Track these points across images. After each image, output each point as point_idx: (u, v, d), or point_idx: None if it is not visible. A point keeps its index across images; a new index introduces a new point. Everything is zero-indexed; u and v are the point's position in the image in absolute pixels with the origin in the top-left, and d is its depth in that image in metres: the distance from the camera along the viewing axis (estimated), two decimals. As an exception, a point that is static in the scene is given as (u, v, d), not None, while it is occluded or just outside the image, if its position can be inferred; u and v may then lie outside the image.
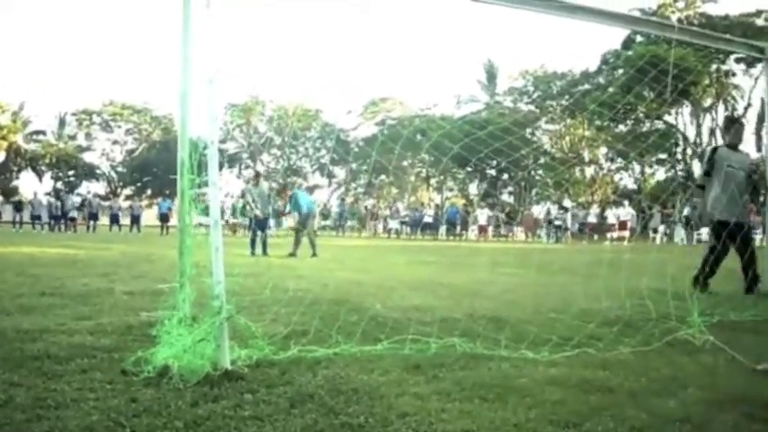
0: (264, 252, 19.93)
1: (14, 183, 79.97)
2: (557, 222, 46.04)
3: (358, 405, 4.16)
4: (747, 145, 56.70)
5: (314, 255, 19.65)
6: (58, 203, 46.82)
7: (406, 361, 5.24)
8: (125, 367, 4.76)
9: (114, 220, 48.38)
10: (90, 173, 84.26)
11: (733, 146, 10.76)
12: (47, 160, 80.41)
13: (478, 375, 4.90)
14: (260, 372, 4.83)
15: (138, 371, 4.62)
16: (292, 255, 19.65)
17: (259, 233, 20.46)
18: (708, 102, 58.35)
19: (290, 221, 22.86)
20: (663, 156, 62.85)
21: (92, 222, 46.32)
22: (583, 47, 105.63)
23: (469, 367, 5.15)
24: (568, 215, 47.38)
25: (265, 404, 4.14)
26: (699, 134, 60.13)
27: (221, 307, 4.81)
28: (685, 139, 60.87)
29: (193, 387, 4.38)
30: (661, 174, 68.52)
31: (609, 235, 43.29)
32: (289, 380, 4.68)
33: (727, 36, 11.41)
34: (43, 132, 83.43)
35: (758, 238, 31.79)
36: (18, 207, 47.29)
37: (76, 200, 49.45)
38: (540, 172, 66.97)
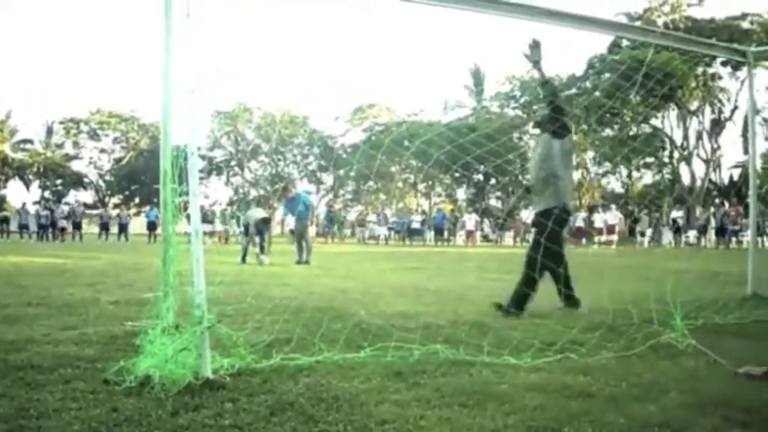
0: (262, 251, 19.71)
1: (2, 192, 79.78)
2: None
3: (338, 413, 4.17)
4: (735, 147, 56.99)
5: (306, 262, 19.60)
6: (47, 213, 46.68)
7: (387, 368, 5.25)
8: (107, 377, 4.77)
9: (104, 228, 48.26)
10: (78, 181, 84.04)
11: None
12: (34, 169, 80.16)
13: (459, 382, 4.92)
14: (241, 380, 4.84)
15: (120, 381, 4.63)
16: (304, 262, 19.63)
17: (257, 239, 20.21)
18: (694, 105, 58.53)
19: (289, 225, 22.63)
20: (650, 159, 63.00)
21: (77, 232, 46.26)
22: (569, 51, 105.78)
23: (451, 374, 5.17)
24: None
25: (245, 413, 4.15)
26: (686, 137, 60.31)
27: (202, 316, 4.82)
28: (672, 142, 61.03)
29: (174, 396, 4.39)
30: (648, 177, 68.80)
31: (596, 239, 43.34)
32: (270, 388, 4.69)
33: (710, 41, 11.48)
34: (30, 141, 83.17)
35: (745, 240, 32.00)
36: (5, 220, 47.28)
37: (65, 208, 49.33)
38: (528, 176, 67.11)
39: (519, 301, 8.45)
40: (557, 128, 8.68)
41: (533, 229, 9.30)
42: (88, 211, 60.68)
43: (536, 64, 8.52)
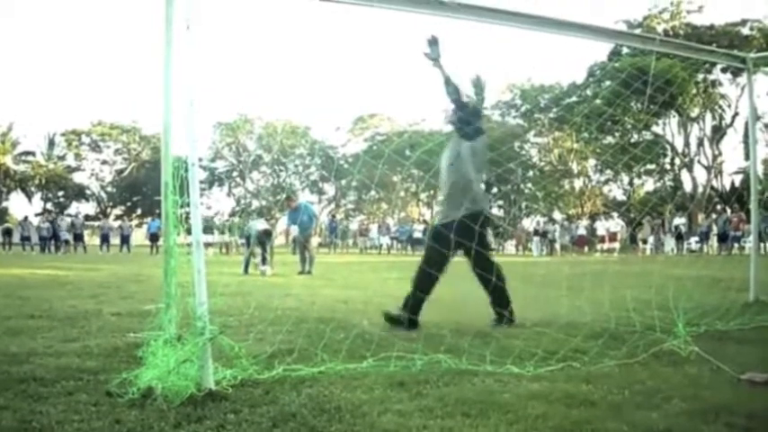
0: (264, 262, 19.66)
1: (4, 204, 79.90)
2: (549, 236, 46.06)
3: (340, 423, 4.17)
4: (736, 153, 56.93)
5: (309, 272, 19.58)
6: (48, 225, 46.73)
7: (390, 378, 5.24)
8: (110, 389, 4.76)
9: (105, 239, 48.30)
10: (80, 193, 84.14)
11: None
12: (36, 181, 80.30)
13: (462, 391, 4.91)
14: (244, 391, 4.83)
15: (122, 392, 4.62)
16: (306, 272, 19.61)
17: (258, 250, 20.20)
18: (695, 111, 58.52)
19: (291, 235, 22.49)
20: (651, 166, 62.94)
21: (79, 243, 46.32)
22: (569, 59, 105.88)
23: (453, 383, 5.16)
24: (557, 227, 47.43)
25: (248, 424, 4.14)
26: (687, 144, 60.32)
27: (204, 327, 4.82)
28: (673, 149, 61.00)
29: (177, 408, 4.39)
30: (650, 184, 68.73)
31: (599, 247, 43.33)
32: (272, 399, 4.69)
33: (710, 47, 11.47)
34: (32, 153, 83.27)
35: (747, 246, 31.94)
36: (7, 232, 47.35)
37: (67, 220, 49.39)
38: (530, 185, 67.10)
39: (413, 312, 8.13)
40: (466, 129, 8.28)
41: (431, 242, 8.72)
42: (89, 223, 60.63)
43: (435, 62, 8.08)
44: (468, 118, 8.30)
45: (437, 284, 8.35)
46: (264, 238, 20.04)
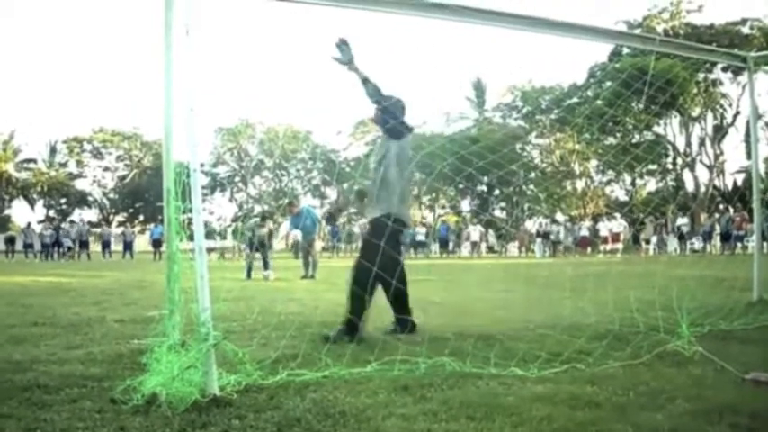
0: (266, 267, 19.72)
1: (7, 212, 79.95)
2: (553, 238, 46.05)
3: (345, 428, 4.17)
4: (738, 152, 56.89)
5: (312, 277, 19.59)
6: (52, 232, 46.79)
7: (394, 382, 5.25)
8: (114, 396, 4.76)
9: (106, 246, 48.36)
10: (82, 200, 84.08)
11: None
12: (38, 188, 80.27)
13: (466, 394, 4.91)
14: (248, 397, 4.84)
15: (126, 399, 4.63)
16: (309, 277, 19.62)
17: (256, 254, 20.17)
18: (696, 111, 58.44)
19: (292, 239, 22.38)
20: (653, 167, 62.90)
21: (84, 251, 46.38)
22: (570, 60, 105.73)
23: (458, 386, 5.16)
24: (561, 229, 47.42)
25: (253, 429, 4.15)
26: (688, 144, 60.28)
27: (208, 333, 4.82)
28: (675, 149, 60.95)
29: (181, 414, 4.39)
30: (652, 185, 68.68)
31: (602, 247, 43.31)
32: (277, 404, 4.69)
33: (710, 47, 11.47)
34: (34, 160, 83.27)
35: (750, 245, 31.95)
36: (10, 240, 47.47)
37: (69, 227, 49.44)
38: (532, 187, 67.06)
39: (350, 326, 7.40)
40: (392, 127, 7.92)
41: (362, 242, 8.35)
42: (92, 230, 60.66)
43: (350, 65, 7.67)
44: (392, 116, 7.98)
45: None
46: (264, 238, 20.05)
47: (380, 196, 7.87)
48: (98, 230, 58.57)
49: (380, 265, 7.16)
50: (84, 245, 47.11)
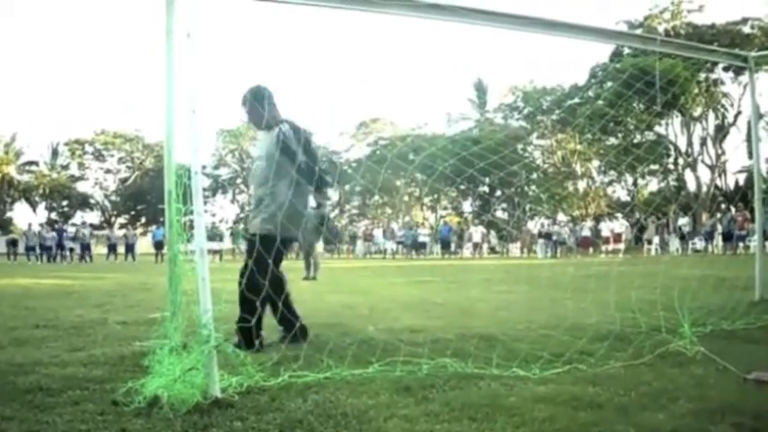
0: None
1: (8, 214, 79.97)
2: (557, 238, 46.07)
3: (347, 429, 4.17)
4: (739, 152, 56.86)
5: (314, 278, 19.51)
6: (54, 234, 46.89)
7: (396, 383, 5.25)
8: (116, 398, 4.76)
9: (112, 249, 48.42)
10: (84, 202, 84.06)
11: None
12: (40, 191, 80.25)
13: (468, 395, 4.92)
14: (250, 399, 4.84)
15: (128, 401, 4.63)
16: (311, 278, 19.46)
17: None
18: (698, 111, 58.35)
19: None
20: (655, 167, 62.82)
21: (87, 253, 46.42)
22: (571, 61, 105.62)
23: (459, 387, 5.17)
24: (566, 229, 47.46)
25: (255, 431, 4.15)
26: (690, 144, 60.19)
27: (210, 335, 4.83)
28: (676, 149, 60.87)
29: (183, 416, 4.39)
30: (654, 185, 68.62)
31: (604, 248, 43.32)
32: (279, 406, 4.69)
33: (711, 47, 11.48)
34: (36, 163, 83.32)
35: (752, 245, 31.93)
36: (13, 243, 47.50)
37: (86, 231, 49.54)
38: (533, 187, 67.01)
39: (245, 337, 6.71)
40: (252, 114, 7.51)
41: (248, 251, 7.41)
42: (95, 232, 60.67)
43: None
44: (251, 101, 7.42)
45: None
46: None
47: (261, 199, 7.37)
48: (102, 233, 58.53)
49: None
50: (85, 247, 47.10)
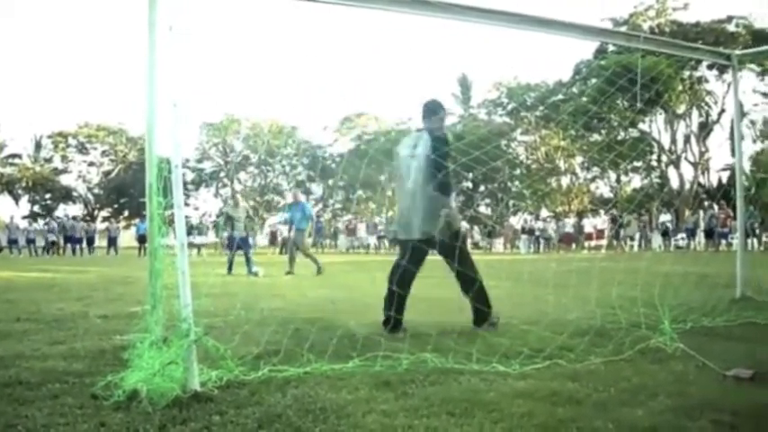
0: (250, 271, 19.38)
1: (-9, 207, 79.69)
2: (537, 233, 46.20)
3: (325, 424, 4.17)
4: (723, 150, 57.10)
5: (319, 272, 19.46)
6: (36, 227, 46.81)
7: (376, 378, 5.25)
8: (95, 392, 4.75)
9: (90, 242, 48.34)
10: (66, 195, 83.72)
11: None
12: (23, 184, 79.92)
13: (447, 390, 4.92)
14: (229, 393, 4.84)
15: (107, 395, 4.62)
16: (318, 273, 19.35)
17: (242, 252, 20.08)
18: (681, 108, 58.53)
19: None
20: (638, 163, 63.00)
21: (69, 245, 46.34)
22: (556, 57, 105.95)
23: (439, 383, 5.17)
24: (550, 225, 47.63)
25: (233, 425, 4.15)
26: (673, 141, 60.37)
27: (189, 329, 4.82)
28: (660, 146, 61.04)
29: (162, 410, 4.38)
30: (637, 181, 68.80)
31: (586, 244, 43.45)
32: (258, 400, 4.69)
33: (695, 44, 11.53)
34: (19, 156, 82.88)
35: (734, 242, 32.03)
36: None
37: (81, 224, 49.49)
38: (517, 183, 67.12)
39: None
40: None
41: None
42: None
43: None
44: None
45: None
46: (246, 223, 20.12)
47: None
48: (82, 225, 58.39)
49: None
50: (68, 240, 47.02)
